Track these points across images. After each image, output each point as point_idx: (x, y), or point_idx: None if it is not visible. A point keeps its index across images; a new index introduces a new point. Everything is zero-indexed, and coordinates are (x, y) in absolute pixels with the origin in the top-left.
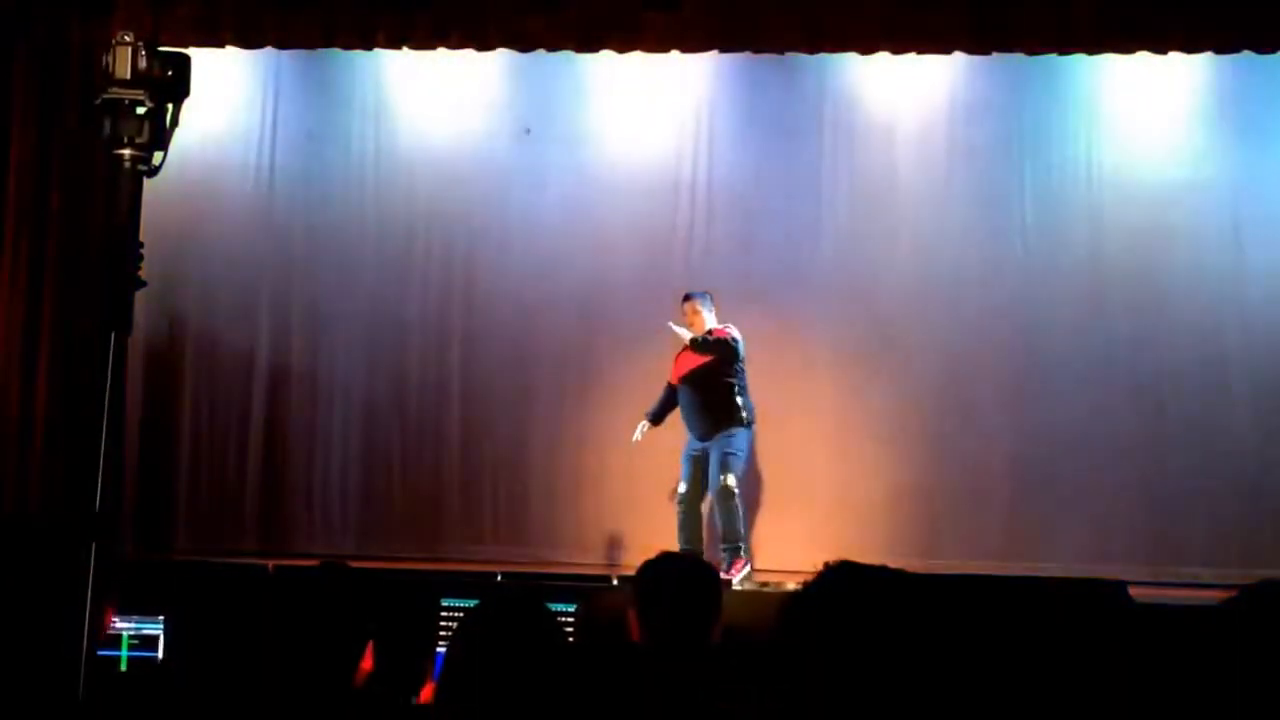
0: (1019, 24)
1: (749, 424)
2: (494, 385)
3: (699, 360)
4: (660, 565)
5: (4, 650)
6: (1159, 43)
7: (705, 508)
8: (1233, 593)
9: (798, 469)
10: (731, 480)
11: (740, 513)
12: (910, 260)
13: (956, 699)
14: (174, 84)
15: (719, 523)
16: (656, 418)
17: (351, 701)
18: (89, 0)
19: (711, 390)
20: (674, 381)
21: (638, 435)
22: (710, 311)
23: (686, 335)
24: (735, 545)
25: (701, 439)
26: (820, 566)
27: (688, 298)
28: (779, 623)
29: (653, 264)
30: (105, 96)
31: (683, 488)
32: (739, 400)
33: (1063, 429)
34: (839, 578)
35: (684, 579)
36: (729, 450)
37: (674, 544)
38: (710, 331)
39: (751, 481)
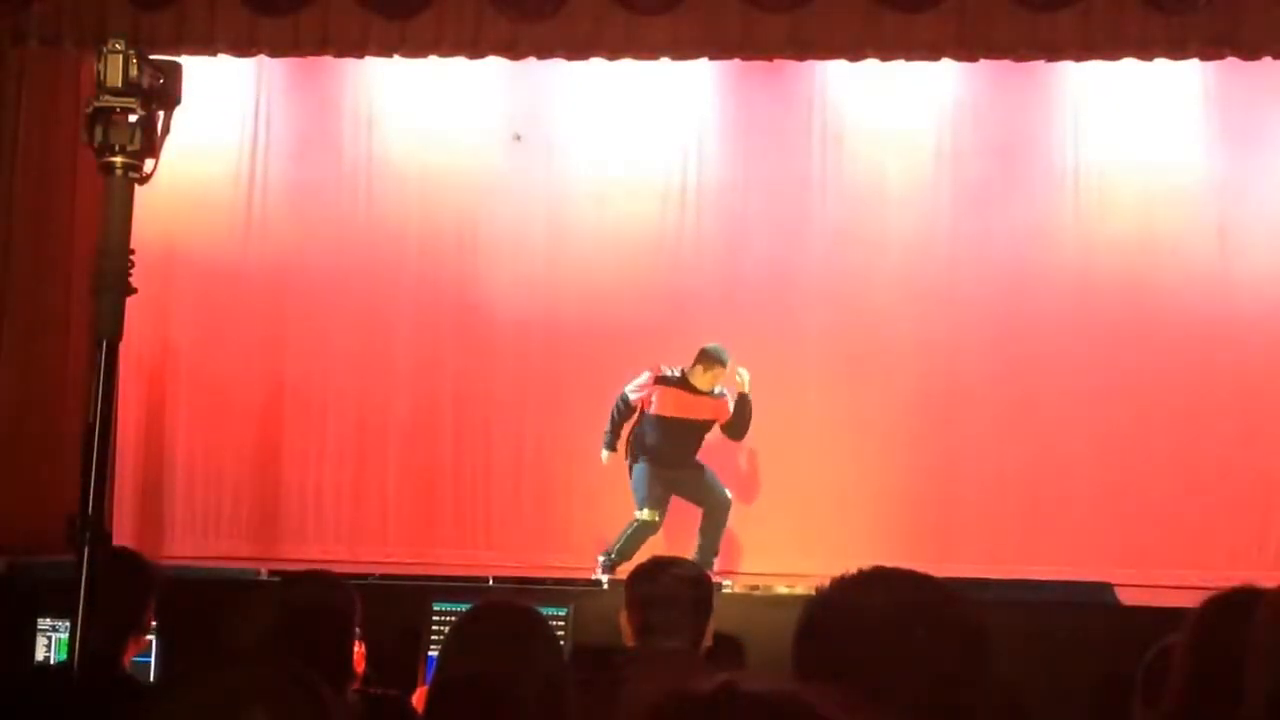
0: (1006, 30)
1: None
2: (486, 391)
3: (709, 414)
4: (653, 570)
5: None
6: (1144, 48)
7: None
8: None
9: (786, 473)
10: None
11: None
12: (899, 265)
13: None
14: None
15: (715, 535)
16: (616, 444)
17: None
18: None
19: (700, 434)
20: (661, 414)
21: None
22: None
23: (745, 384)
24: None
25: (672, 466)
26: (847, 571)
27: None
28: (803, 623)
29: (643, 270)
30: (97, 104)
31: (656, 516)
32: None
33: (1050, 432)
34: (871, 580)
35: (677, 584)
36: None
37: (664, 549)
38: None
39: (740, 486)
